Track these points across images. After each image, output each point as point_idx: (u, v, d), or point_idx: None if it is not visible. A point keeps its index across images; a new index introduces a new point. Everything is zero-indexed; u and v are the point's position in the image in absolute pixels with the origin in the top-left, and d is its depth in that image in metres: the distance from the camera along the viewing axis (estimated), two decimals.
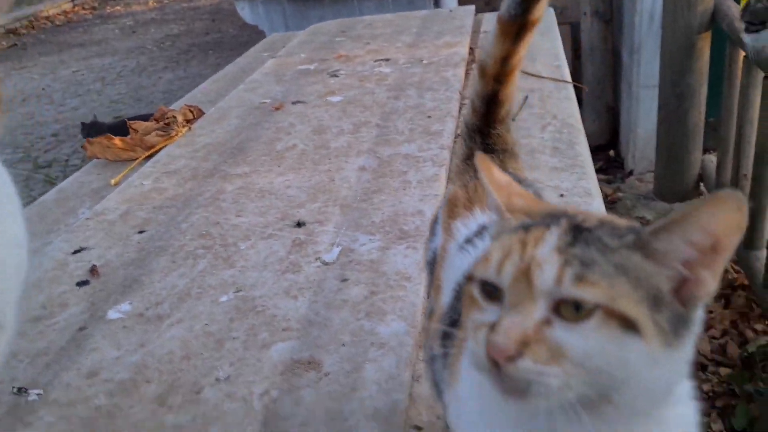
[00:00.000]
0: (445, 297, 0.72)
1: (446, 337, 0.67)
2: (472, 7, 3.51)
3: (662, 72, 3.52)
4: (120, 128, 2.35)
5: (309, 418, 1.01)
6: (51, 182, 4.14)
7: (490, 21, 3.34)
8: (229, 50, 6.67)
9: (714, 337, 2.86)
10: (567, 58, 4.78)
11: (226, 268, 1.42)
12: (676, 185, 3.71)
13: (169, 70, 6.70)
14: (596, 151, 4.65)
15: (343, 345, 1.15)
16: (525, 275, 0.47)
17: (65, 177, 2.80)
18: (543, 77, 2.52)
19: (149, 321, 1.27)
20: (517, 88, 0.86)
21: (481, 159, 0.57)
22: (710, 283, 0.49)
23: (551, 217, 0.52)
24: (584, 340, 0.45)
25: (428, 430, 1.00)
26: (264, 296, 1.31)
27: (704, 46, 3.24)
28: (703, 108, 3.43)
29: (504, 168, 0.85)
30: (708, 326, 2.89)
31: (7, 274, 0.77)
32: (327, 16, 4.26)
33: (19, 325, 1.26)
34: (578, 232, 0.49)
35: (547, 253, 0.47)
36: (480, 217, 0.74)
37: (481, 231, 0.72)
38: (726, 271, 3.03)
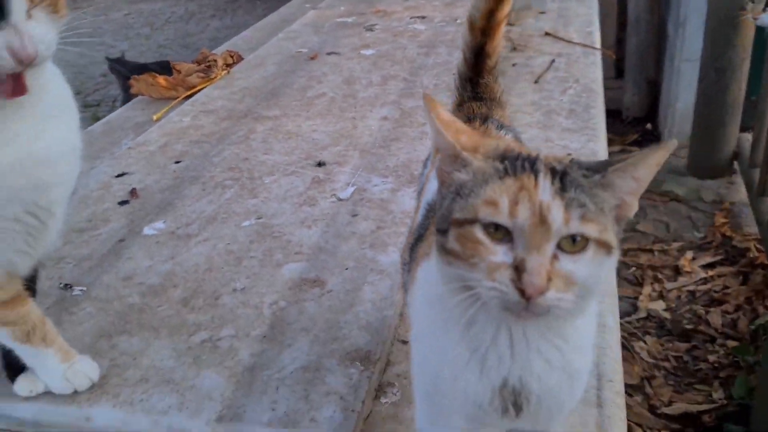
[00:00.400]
0: (419, 215, 0.84)
1: (414, 248, 0.80)
2: None
3: (704, 45, 3.49)
4: (142, 69, 2.49)
5: (310, 325, 1.15)
6: (98, 120, 4.34)
7: None
8: (277, 0, 6.76)
9: (727, 312, 2.91)
10: (612, 28, 4.73)
11: (250, 198, 1.57)
12: (710, 161, 3.67)
13: (217, 18, 6.83)
14: (634, 123, 4.64)
15: (347, 269, 1.29)
16: (540, 218, 0.57)
17: None
18: (573, 42, 2.58)
19: (179, 238, 1.43)
20: (502, 42, 0.96)
21: (427, 99, 0.64)
22: (636, 206, 0.62)
23: (521, 160, 0.61)
24: (585, 267, 0.58)
25: None
26: (282, 224, 1.46)
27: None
28: (743, 84, 3.40)
29: (490, 115, 0.95)
30: (722, 301, 2.95)
31: (61, 173, 0.92)
32: None
33: (67, 234, 1.43)
34: (561, 176, 0.59)
35: (550, 197, 0.57)
36: None
37: None
38: (748, 250, 3.07)
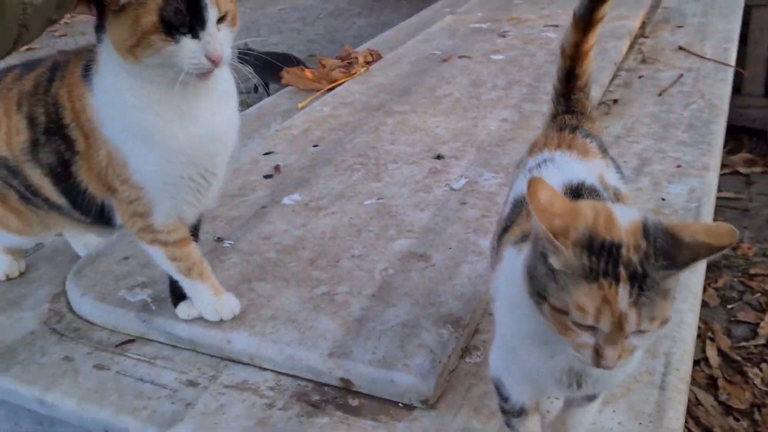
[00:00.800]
0: (507, 209, 1.00)
1: (501, 236, 0.95)
2: None
3: None
4: (266, 59, 2.78)
5: (412, 290, 1.34)
6: (248, 106, 4.79)
7: None
8: (422, 1, 7.00)
9: None
10: (765, 43, 4.49)
11: (374, 182, 1.79)
12: None
13: (363, 16, 7.18)
14: None
15: (450, 248, 1.47)
16: (618, 324, 0.69)
17: None
18: (705, 58, 2.57)
19: (311, 209, 1.68)
20: (591, 66, 1.07)
21: (533, 182, 0.72)
22: None
23: (605, 255, 0.69)
24: (646, 340, 0.74)
25: None
26: (398, 206, 1.66)
27: None
28: None
29: (580, 126, 1.07)
30: None
31: (226, 145, 1.18)
32: None
33: (222, 198, 1.71)
34: (639, 280, 0.69)
35: (626, 307, 0.69)
36: (543, 155, 0.99)
37: (540, 164, 0.97)
38: None
